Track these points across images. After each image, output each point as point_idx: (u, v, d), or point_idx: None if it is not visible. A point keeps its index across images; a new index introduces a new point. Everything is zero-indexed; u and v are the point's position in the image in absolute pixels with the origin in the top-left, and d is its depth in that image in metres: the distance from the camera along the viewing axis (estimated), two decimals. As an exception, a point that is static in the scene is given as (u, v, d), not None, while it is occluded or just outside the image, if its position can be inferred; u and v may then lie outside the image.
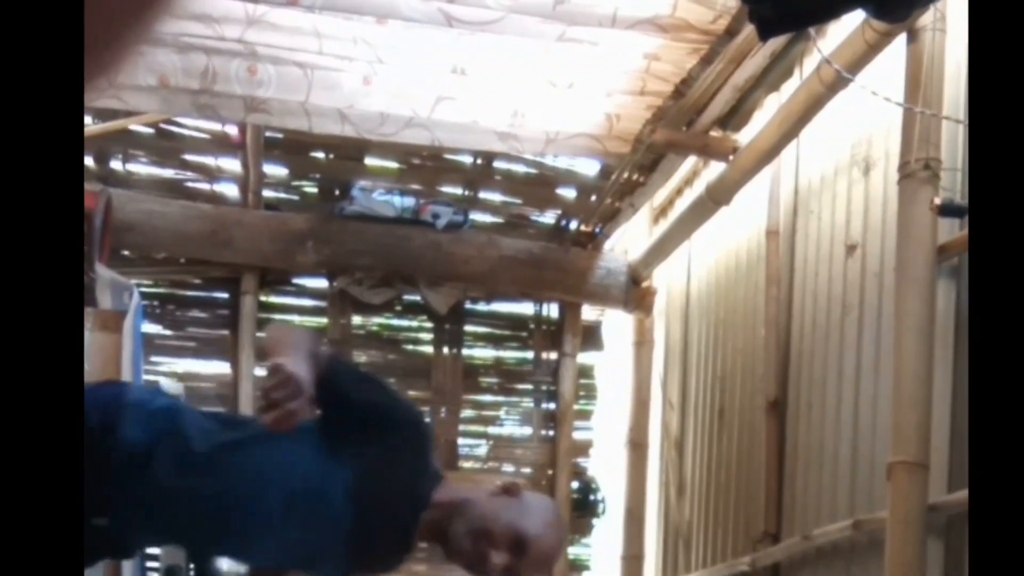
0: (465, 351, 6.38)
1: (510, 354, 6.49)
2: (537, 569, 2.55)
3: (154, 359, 5.91)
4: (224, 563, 4.42)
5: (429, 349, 6.36)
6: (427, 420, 2.67)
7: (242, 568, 4.85)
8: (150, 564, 5.00)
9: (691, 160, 5.30)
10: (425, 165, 5.86)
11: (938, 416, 3.59)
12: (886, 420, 3.71)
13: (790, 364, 4.67)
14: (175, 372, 6.03)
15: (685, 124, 4.81)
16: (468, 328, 6.39)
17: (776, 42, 4.32)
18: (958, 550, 3.54)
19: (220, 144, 5.68)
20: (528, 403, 6.45)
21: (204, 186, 5.89)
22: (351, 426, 2.51)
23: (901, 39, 3.64)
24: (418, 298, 6.16)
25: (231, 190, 5.90)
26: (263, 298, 6.12)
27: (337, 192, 5.96)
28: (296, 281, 6.23)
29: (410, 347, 6.37)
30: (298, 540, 2.52)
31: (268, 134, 5.51)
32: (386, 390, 2.68)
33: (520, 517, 2.50)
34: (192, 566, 4.94)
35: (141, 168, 5.81)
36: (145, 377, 5.07)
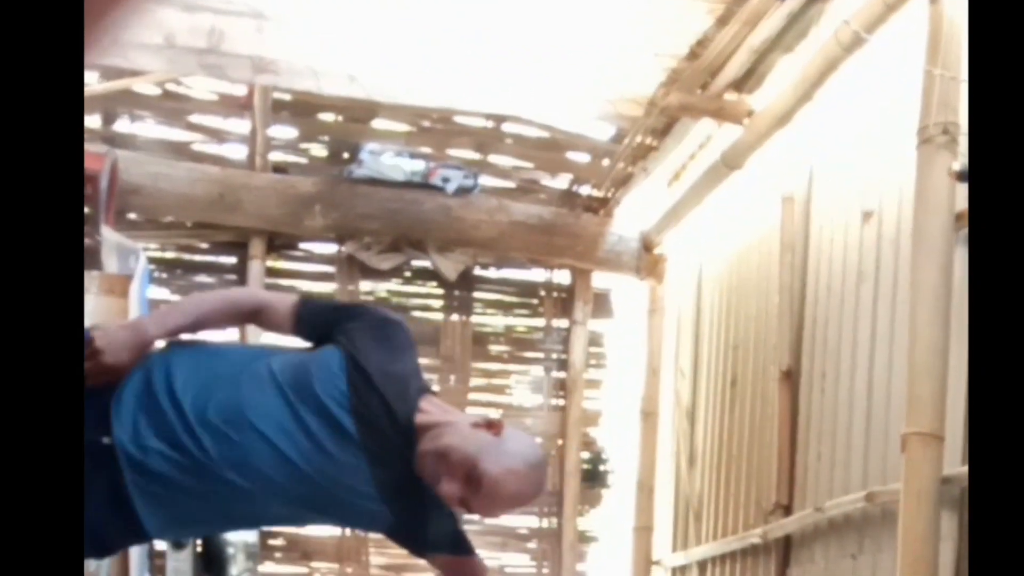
0: (474, 318, 6.40)
1: (520, 321, 6.52)
2: (492, 508, 2.54)
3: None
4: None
5: (438, 316, 6.38)
6: (404, 322, 2.68)
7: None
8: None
9: (705, 124, 5.27)
10: (435, 128, 5.86)
11: (953, 387, 3.59)
12: (901, 390, 3.71)
13: (804, 333, 4.68)
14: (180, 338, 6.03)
15: (699, 87, 4.80)
16: (477, 295, 6.41)
17: (793, 3, 4.30)
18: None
19: (227, 105, 5.69)
20: (538, 371, 6.47)
21: (211, 148, 5.89)
22: (328, 327, 2.59)
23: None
24: (427, 264, 6.18)
25: (238, 152, 5.91)
26: (271, 263, 6.13)
27: (346, 155, 5.96)
28: (304, 246, 6.24)
29: (419, 314, 6.38)
30: (312, 477, 2.52)
31: (276, 95, 5.51)
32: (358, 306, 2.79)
33: (485, 454, 2.44)
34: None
35: (147, 129, 5.82)
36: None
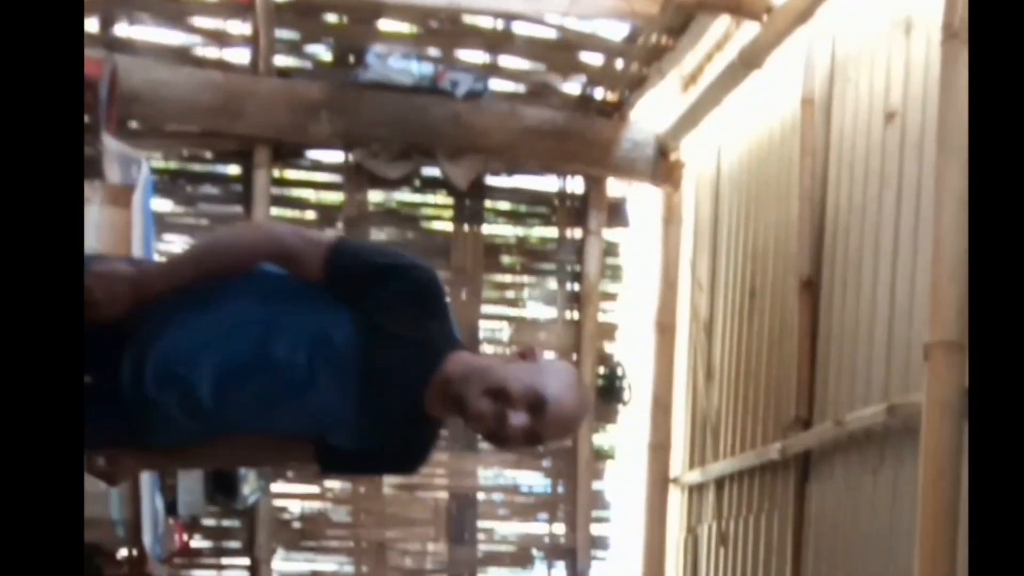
0: (486, 228, 6.42)
1: (533, 231, 6.54)
2: (558, 432, 2.59)
3: (165, 237, 5.95)
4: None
5: (449, 227, 6.41)
6: (439, 280, 2.70)
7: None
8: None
9: (723, 22, 5.26)
10: (443, 29, 5.83)
11: (978, 295, 3.62)
12: (924, 299, 3.76)
13: (824, 241, 4.70)
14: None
15: (717, -18, 4.79)
16: (489, 204, 6.43)
17: None
18: (995, 435, 3.60)
19: (228, 6, 5.68)
20: (552, 283, 6.50)
21: (213, 52, 5.89)
22: (358, 288, 2.56)
23: None
24: (437, 172, 6.19)
25: (241, 57, 5.90)
26: (277, 173, 6.15)
27: (351, 59, 5.95)
28: (310, 155, 6.25)
29: (429, 224, 6.42)
30: (305, 403, 2.59)
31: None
32: (392, 252, 2.74)
33: (538, 377, 2.51)
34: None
35: (146, 33, 5.80)
36: (157, 256, 5.13)
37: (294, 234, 2.65)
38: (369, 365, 2.56)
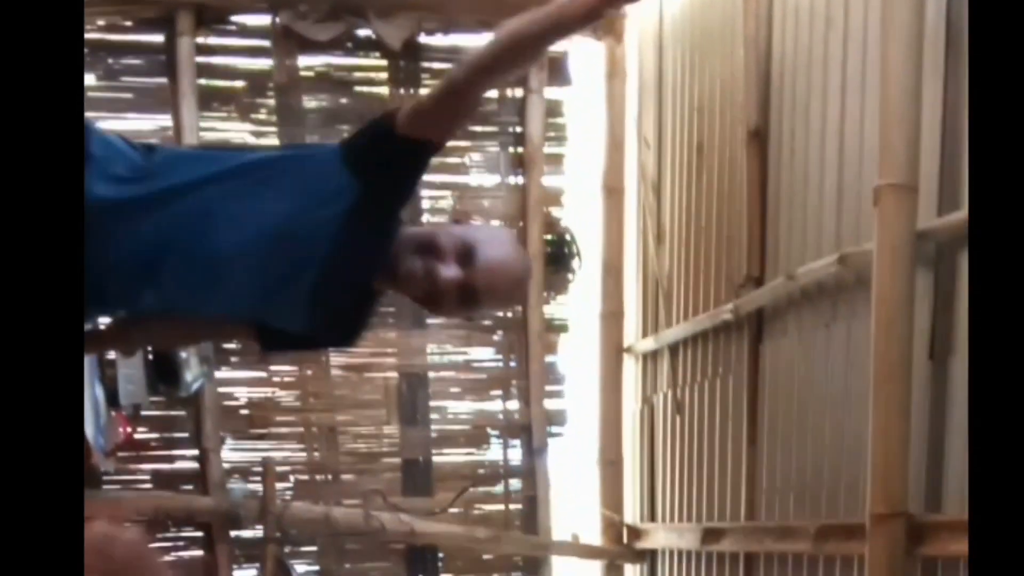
0: (423, 90, 6.22)
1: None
2: (494, 290, 2.52)
3: (88, 116, 5.77)
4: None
5: (384, 90, 6.22)
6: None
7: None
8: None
9: None
10: None
11: (928, 134, 3.54)
12: (874, 143, 3.67)
13: (771, 88, 4.62)
14: (112, 129, 5.90)
15: None
16: (425, 64, 6.23)
17: None
18: (949, 281, 3.53)
19: None
20: (493, 147, 6.32)
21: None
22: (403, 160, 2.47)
23: None
24: (370, 33, 6.00)
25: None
26: (200, 40, 5.95)
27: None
28: (235, 19, 6.04)
29: (363, 89, 6.23)
30: (262, 283, 2.51)
31: None
32: None
33: (470, 232, 2.50)
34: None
35: None
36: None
37: None
38: (343, 249, 2.47)
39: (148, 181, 2.46)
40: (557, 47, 6.20)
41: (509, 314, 6.33)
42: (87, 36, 5.79)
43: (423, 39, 6.17)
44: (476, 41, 6.23)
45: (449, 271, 2.44)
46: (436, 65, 6.25)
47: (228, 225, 2.44)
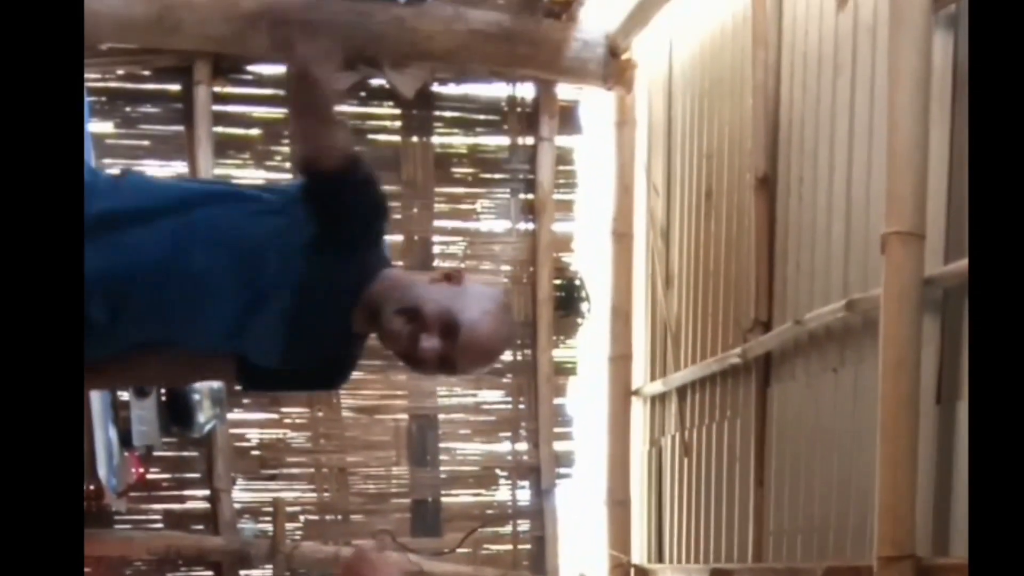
0: (435, 139, 6.28)
1: (484, 140, 6.40)
2: (473, 361, 2.55)
3: (106, 161, 5.82)
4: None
5: (397, 138, 6.26)
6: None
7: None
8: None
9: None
10: (383, -67, 5.68)
11: (935, 181, 3.57)
12: (881, 190, 3.69)
13: (779, 135, 4.65)
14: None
15: None
16: (438, 113, 6.28)
17: None
18: (955, 325, 3.55)
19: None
20: (504, 194, 6.37)
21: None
22: (341, 197, 2.50)
23: None
24: (383, 82, 6.05)
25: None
26: (218, 88, 6.00)
27: (290, -33, 5.78)
28: (251, 69, 6.10)
29: (377, 137, 6.28)
30: (235, 312, 2.53)
31: None
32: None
33: (455, 302, 2.48)
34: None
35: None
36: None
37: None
38: (311, 281, 2.51)
39: (116, 199, 2.51)
40: (568, 96, 6.29)
41: (519, 357, 6.37)
42: (106, 85, 5.86)
43: (436, 88, 6.23)
44: (488, 90, 6.32)
45: (430, 343, 2.46)
46: (448, 114, 6.32)
47: (197, 248, 2.48)
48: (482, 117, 6.37)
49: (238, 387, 2.85)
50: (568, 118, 6.37)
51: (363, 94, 6.17)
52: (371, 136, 6.26)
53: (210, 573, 5.98)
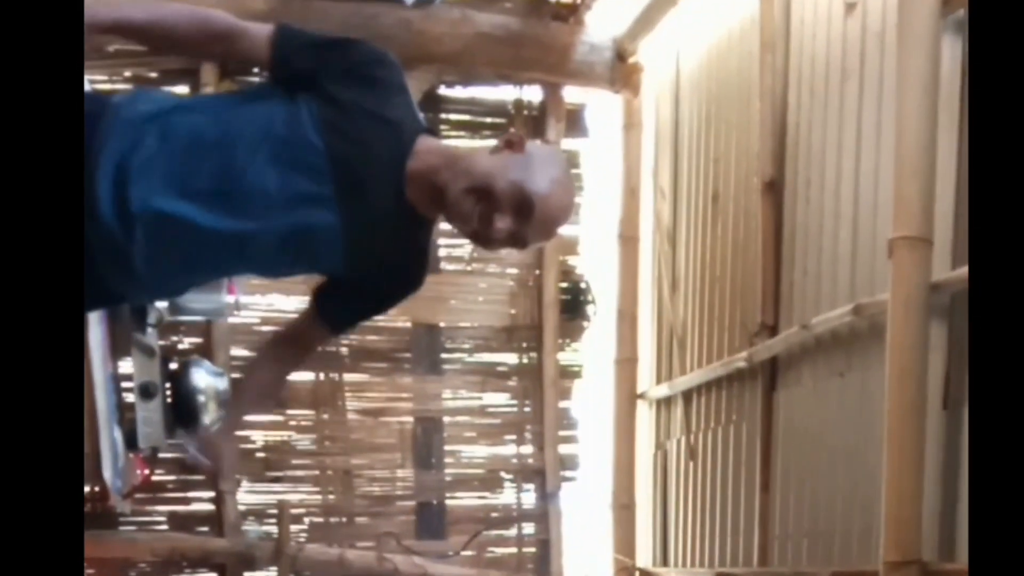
0: (442, 141, 6.26)
1: (490, 143, 6.38)
2: (543, 234, 2.47)
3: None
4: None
5: (404, 140, 6.25)
6: (394, 58, 2.58)
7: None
8: (125, 384, 5.05)
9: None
10: (390, -67, 5.66)
11: (942, 187, 3.56)
12: (888, 194, 3.67)
13: (787, 139, 4.63)
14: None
15: None
16: (444, 116, 6.27)
17: None
18: (962, 331, 3.54)
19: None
20: (511, 196, 6.35)
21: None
22: (312, 60, 2.43)
23: None
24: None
25: (183, -30, 5.72)
26: (224, 91, 5.99)
27: (298, -32, 5.78)
28: (258, 71, 6.09)
29: (384, 139, 6.27)
30: (277, 202, 2.43)
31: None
32: (342, 35, 2.61)
33: (527, 175, 2.38)
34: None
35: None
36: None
37: (231, 15, 2.52)
38: (338, 150, 2.41)
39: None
40: (575, 99, 6.28)
41: (524, 360, 6.37)
42: (113, 87, 5.86)
43: (443, 91, 6.22)
44: (494, 93, 6.31)
45: (504, 222, 2.38)
46: (455, 116, 6.31)
47: (234, 144, 2.41)
48: (489, 120, 6.36)
49: (332, 333, 2.78)
50: (575, 121, 6.36)
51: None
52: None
53: (214, 575, 5.98)
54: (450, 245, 6.31)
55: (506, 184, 2.37)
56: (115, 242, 2.40)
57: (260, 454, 6.14)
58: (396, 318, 6.20)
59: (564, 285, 6.37)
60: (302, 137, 2.40)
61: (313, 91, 2.42)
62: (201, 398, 5.50)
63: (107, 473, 4.81)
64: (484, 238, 2.44)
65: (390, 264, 2.59)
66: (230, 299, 5.20)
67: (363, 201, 2.45)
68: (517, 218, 2.39)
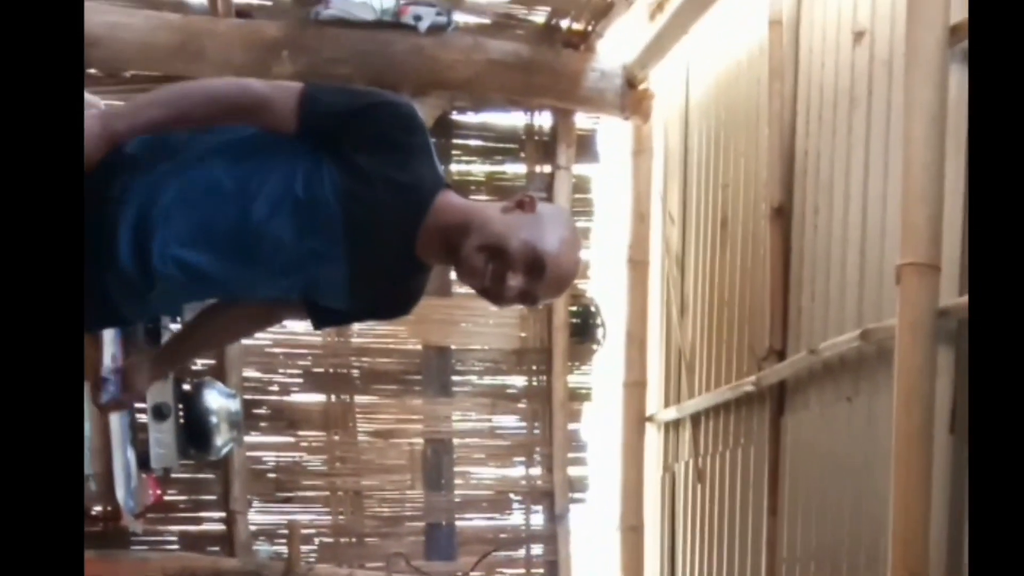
0: (454, 167, 6.30)
1: (502, 169, 6.43)
2: (553, 292, 2.53)
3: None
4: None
5: (416, 166, 6.28)
6: (418, 116, 2.60)
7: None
8: (138, 405, 5.08)
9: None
10: (404, -38, 5.71)
11: (950, 213, 3.57)
12: (896, 221, 3.68)
13: (795, 165, 4.64)
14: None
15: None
16: (456, 141, 6.32)
17: None
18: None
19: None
20: (522, 221, 6.37)
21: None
22: (336, 129, 2.45)
23: None
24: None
25: (198, -4, 5.77)
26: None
27: (311, -5, 5.82)
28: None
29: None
30: (293, 265, 2.51)
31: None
32: (365, 90, 2.64)
33: (538, 234, 2.42)
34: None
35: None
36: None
37: (261, 82, 2.53)
38: (354, 215, 2.45)
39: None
40: (585, 125, 6.32)
41: (534, 382, 6.39)
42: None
43: (455, 116, 6.27)
44: (506, 119, 6.34)
45: (516, 280, 2.42)
46: (467, 142, 6.36)
47: (258, 204, 2.46)
48: (500, 145, 6.41)
49: (313, 327, 2.83)
50: (585, 147, 6.40)
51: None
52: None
53: (225, 595, 5.99)
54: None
55: (519, 244, 2.41)
56: (133, 285, 2.51)
57: (271, 475, 6.18)
58: (407, 341, 6.24)
59: (574, 309, 6.39)
60: (321, 200, 2.46)
61: (336, 156, 2.46)
62: (213, 419, 5.54)
63: (120, 493, 4.84)
64: (495, 295, 2.48)
65: (389, 297, 2.69)
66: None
67: (373, 257, 2.53)
68: (528, 277, 2.43)
